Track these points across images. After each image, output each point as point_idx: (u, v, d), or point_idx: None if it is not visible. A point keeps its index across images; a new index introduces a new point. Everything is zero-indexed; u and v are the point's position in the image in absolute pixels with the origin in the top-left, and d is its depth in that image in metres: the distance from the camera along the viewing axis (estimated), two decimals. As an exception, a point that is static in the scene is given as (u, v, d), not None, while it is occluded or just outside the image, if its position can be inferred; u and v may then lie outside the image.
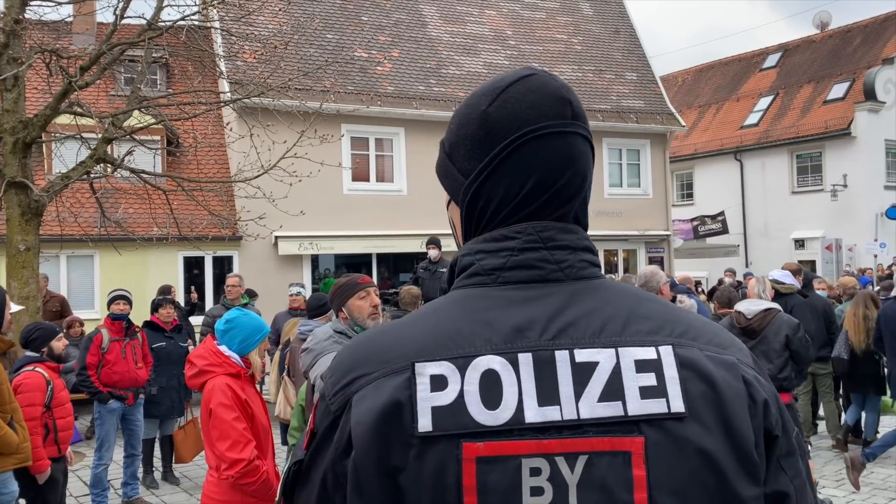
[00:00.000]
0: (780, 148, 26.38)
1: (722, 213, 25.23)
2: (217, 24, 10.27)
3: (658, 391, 0.83)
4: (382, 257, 15.77)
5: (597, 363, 0.84)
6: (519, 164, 0.93)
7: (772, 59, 30.63)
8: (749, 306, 5.68)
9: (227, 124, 11.77)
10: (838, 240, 21.14)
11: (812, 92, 27.12)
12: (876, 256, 21.16)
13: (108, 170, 8.72)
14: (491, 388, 0.83)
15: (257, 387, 3.62)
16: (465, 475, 0.80)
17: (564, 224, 0.95)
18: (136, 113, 8.40)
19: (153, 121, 8.61)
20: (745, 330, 5.57)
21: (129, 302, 6.64)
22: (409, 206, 15.40)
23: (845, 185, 24.05)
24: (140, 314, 7.52)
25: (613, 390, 0.83)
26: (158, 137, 12.93)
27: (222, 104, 9.77)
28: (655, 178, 19.53)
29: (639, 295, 0.94)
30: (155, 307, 7.17)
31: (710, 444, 0.82)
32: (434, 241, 9.55)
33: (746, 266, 25.58)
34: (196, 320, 9.90)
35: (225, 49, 11.02)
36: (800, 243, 25.48)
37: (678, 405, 0.83)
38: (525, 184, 0.93)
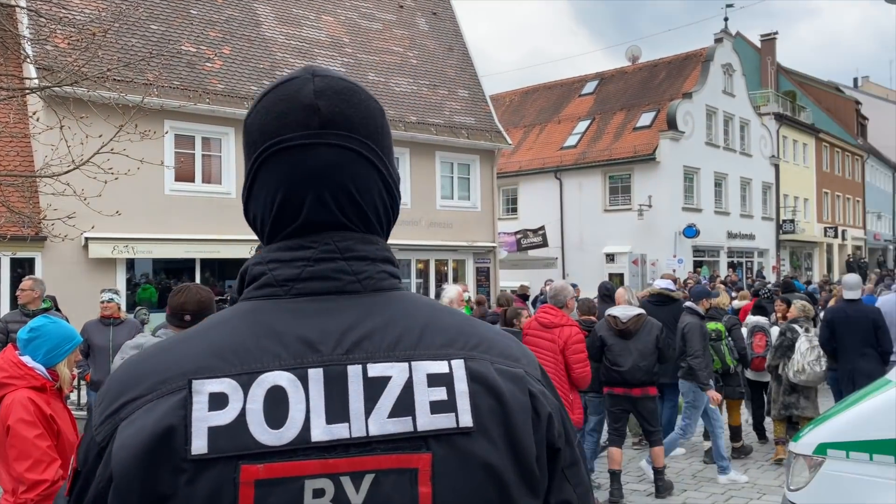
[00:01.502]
0: (595, 169, 28.56)
1: (543, 228, 26.84)
2: (23, 3, 9.31)
3: (448, 406, 0.81)
4: (207, 263, 15.05)
5: (389, 378, 0.81)
6: (265, 179, 0.90)
7: (590, 87, 33.14)
8: (624, 311, 6.29)
9: (34, 114, 10.66)
10: (643, 255, 23.23)
11: (624, 119, 29.66)
12: (674, 270, 23.52)
13: None
14: (276, 407, 0.78)
15: (66, 401, 3.32)
16: (241, 500, 0.76)
17: (364, 234, 0.91)
18: (-82, 93, 7.40)
19: (-60, 104, 7.62)
20: (622, 332, 6.22)
21: None
22: (237, 209, 14.78)
23: (650, 206, 26.53)
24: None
25: (404, 405, 0.80)
26: (-54, 122, 11.45)
27: (28, 91, 8.86)
28: (484, 192, 20.35)
29: (436, 307, 0.92)
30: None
31: (494, 459, 0.81)
32: None
33: (563, 277, 27.39)
34: (-13, 329, 8.84)
35: (32, 31, 9.99)
36: (610, 257, 27.71)
37: (466, 420, 0.81)
38: (274, 200, 0.90)
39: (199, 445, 0.76)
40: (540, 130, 32.46)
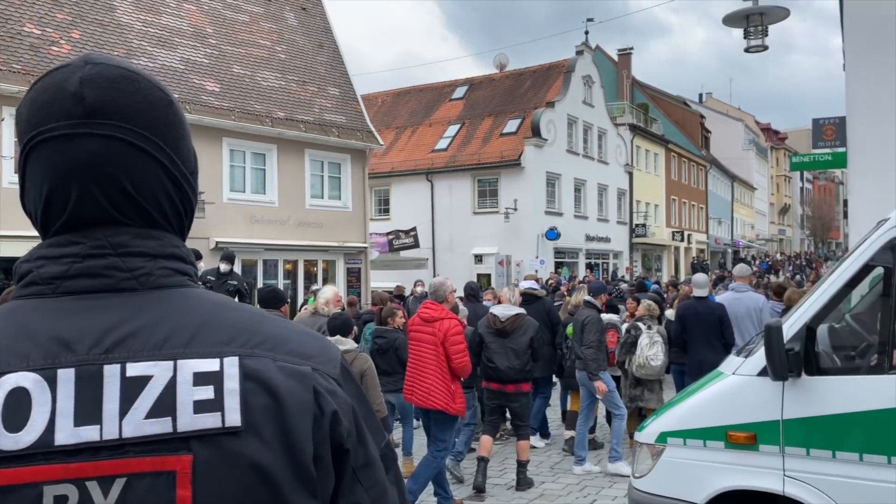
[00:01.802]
0: (464, 172, 29.17)
1: (414, 229, 27.06)
2: None
3: (214, 405, 0.78)
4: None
5: (150, 377, 0.78)
6: (32, 172, 0.86)
7: (460, 91, 33.81)
8: (503, 311, 6.54)
9: None
10: (508, 256, 23.96)
11: (492, 124, 30.51)
12: (536, 271, 24.47)
13: None
14: (17, 409, 0.74)
15: None
16: None
17: (143, 230, 0.87)
18: None
19: None
20: (500, 331, 6.47)
21: None
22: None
23: (516, 209, 27.45)
24: None
25: (164, 406, 0.77)
26: None
27: None
28: (355, 192, 20.21)
29: (222, 304, 0.88)
30: None
31: (265, 459, 0.78)
32: (227, 257, 9.84)
33: (434, 278, 27.75)
34: None
35: None
36: (479, 258, 28.41)
37: (234, 419, 0.77)
38: (41, 194, 0.85)
39: None
40: (412, 132, 32.71)
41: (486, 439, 6.60)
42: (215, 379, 0.79)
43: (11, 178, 13.08)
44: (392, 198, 31.08)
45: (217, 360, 0.80)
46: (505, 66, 35.56)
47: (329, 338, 5.30)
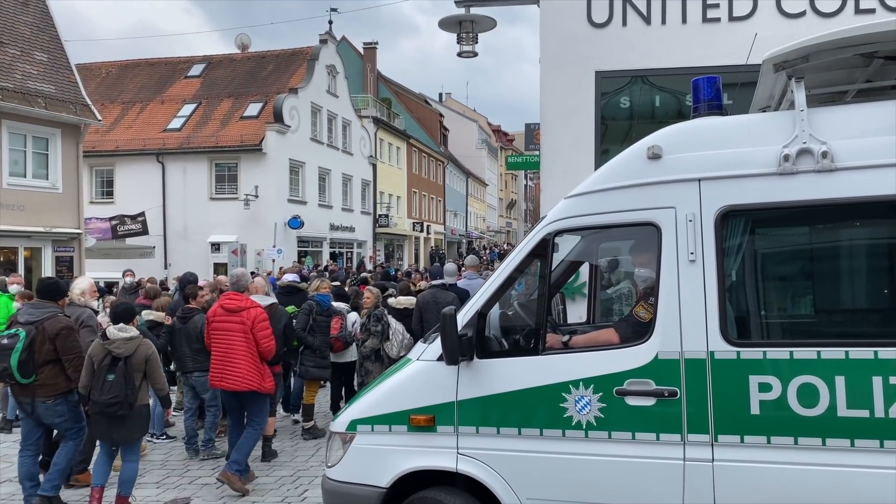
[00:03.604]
0: (200, 155, 27.52)
1: (143, 214, 24.96)
2: None
3: None
4: None
5: None
6: None
7: (197, 69, 31.82)
8: (261, 300, 6.91)
9: None
10: (244, 244, 23.17)
11: (231, 106, 29.16)
12: (274, 261, 23.98)
13: None
14: None
15: None
16: None
17: None
18: None
19: None
20: None
21: None
22: None
23: (256, 196, 26.57)
24: None
25: None
26: None
27: None
28: (67, 171, 18.05)
29: None
30: None
31: None
32: None
33: (165, 267, 25.88)
34: None
35: None
36: (216, 247, 27.04)
37: None
38: None
39: None
40: (141, 109, 30.07)
41: (271, 420, 7.18)
42: None
43: None
44: (116, 179, 28.30)
45: None
46: (248, 48, 34.24)
47: (113, 325, 5.61)
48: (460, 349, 3.66)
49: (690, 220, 3.46)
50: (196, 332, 7.29)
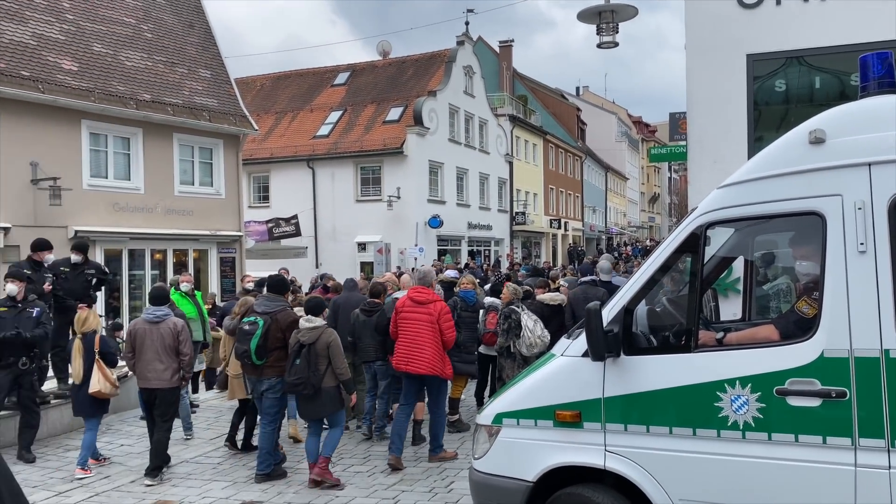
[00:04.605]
0: (346, 159, 28.88)
1: (295, 217, 26.51)
2: None
3: None
4: None
5: None
6: None
7: (342, 77, 33.36)
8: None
9: None
10: (388, 244, 24.01)
11: (374, 111, 30.33)
12: (416, 259, 24.68)
13: None
14: None
15: None
16: None
17: None
18: None
19: None
20: None
21: None
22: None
23: (398, 197, 27.49)
24: None
25: None
26: None
27: None
28: (228, 178, 19.52)
29: None
30: None
31: None
32: (78, 247, 9.30)
33: (317, 266, 27.37)
34: None
35: None
36: (362, 246, 28.26)
37: None
38: None
39: None
40: (292, 118, 31.97)
41: (419, 406, 7.57)
42: None
43: None
44: (272, 185, 30.31)
45: None
46: (388, 54, 35.42)
47: (303, 316, 6.45)
48: (606, 345, 3.62)
49: (860, 208, 3.21)
50: (382, 325, 7.61)
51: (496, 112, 36.42)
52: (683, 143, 14.64)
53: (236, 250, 19.93)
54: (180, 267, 18.04)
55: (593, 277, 8.68)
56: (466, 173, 32.58)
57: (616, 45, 7.79)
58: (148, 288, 16.55)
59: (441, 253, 29.20)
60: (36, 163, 14.45)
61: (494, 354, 8.78)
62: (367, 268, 25.01)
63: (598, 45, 7.71)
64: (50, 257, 8.99)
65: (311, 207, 28.96)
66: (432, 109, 29.26)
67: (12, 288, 7.58)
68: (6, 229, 13.86)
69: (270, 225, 26.37)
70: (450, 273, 10.41)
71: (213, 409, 10.09)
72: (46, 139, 14.80)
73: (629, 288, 3.79)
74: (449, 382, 7.44)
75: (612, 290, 8.08)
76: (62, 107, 14.95)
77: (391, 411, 8.07)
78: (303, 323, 6.41)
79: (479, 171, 33.81)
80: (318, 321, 6.44)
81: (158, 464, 6.90)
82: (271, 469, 6.72)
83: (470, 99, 32.77)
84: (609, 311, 3.74)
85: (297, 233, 26.39)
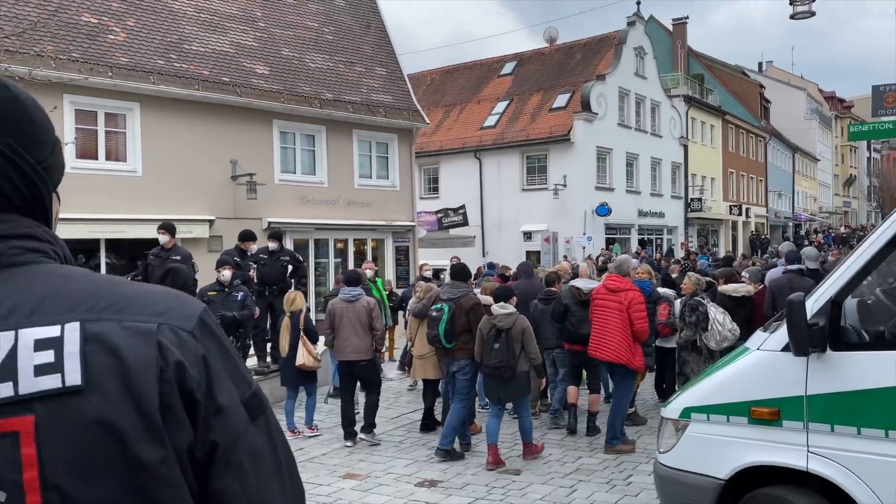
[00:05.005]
0: (513, 149, 28.99)
1: (463, 207, 27.08)
2: None
3: (54, 367, 0.84)
4: (113, 243, 14.53)
5: None
6: None
7: (508, 67, 33.47)
8: (585, 284, 7.70)
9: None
10: (555, 233, 23.81)
11: (541, 99, 30.15)
12: (584, 248, 24.27)
13: None
14: None
15: None
16: None
17: None
18: None
19: None
20: (583, 302, 7.52)
21: None
22: (144, 188, 14.36)
23: (565, 185, 27.17)
24: None
25: (6, 372, 0.84)
26: None
27: None
28: (402, 171, 20.35)
29: (70, 275, 0.95)
30: None
31: (109, 414, 0.84)
32: (166, 227, 9.07)
33: (483, 255, 27.82)
34: None
35: None
36: (528, 235, 28.29)
37: (74, 379, 0.84)
38: None
39: None
40: (460, 110, 32.60)
41: (571, 389, 7.85)
42: (55, 344, 0.86)
43: (74, 164, 13.68)
44: (441, 176, 31.15)
45: (58, 327, 0.87)
46: (555, 40, 35.01)
47: (494, 303, 6.73)
48: (810, 339, 3.36)
49: None
50: (558, 312, 7.90)
51: (669, 93, 34.80)
52: (891, 118, 13.15)
53: (410, 239, 20.75)
54: (361, 256, 19.13)
55: (800, 266, 8.04)
56: (637, 158, 31.48)
57: (812, 14, 7.16)
58: (332, 275, 17.75)
59: (609, 242, 28.50)
60: (235, 161, 15.92)
61: (673, 347, 8.47)
62: (532, 257, 25.00)
63: (792, 16, 7.13)
64: (254, 247, 9.91)
65: (477, 197, 29.43)
66: (601, 94, 28.56)
67: (227, 274, 8.49)
68: (211, 221, 15.43)
69: (440, 215, 27.14)
70: (621, 259, 10.33)
71: (392, 389, 10.61)
72: (243, 139, 16.26)
73: (837, 279, 3.48)
74: (636, 375, 7.33)
75: (818, 280, 7.46)
76: (256, 108, 16.33)
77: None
78: (496, 309, 6.68)
79: (650, 155, 32.53)
80: (511, 307, 6.72)
81: (371, 421, 7.74)
82: (451, 446, 7.00)
83: (641, 81, 31.58)
84: (813, 304, 3.46)
85: (465, 222, 26.95)
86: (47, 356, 0.85)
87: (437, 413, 8.26)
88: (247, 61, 17.04)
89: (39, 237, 0.98)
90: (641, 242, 31.24)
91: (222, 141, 15.81)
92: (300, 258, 10.94)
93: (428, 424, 8.15)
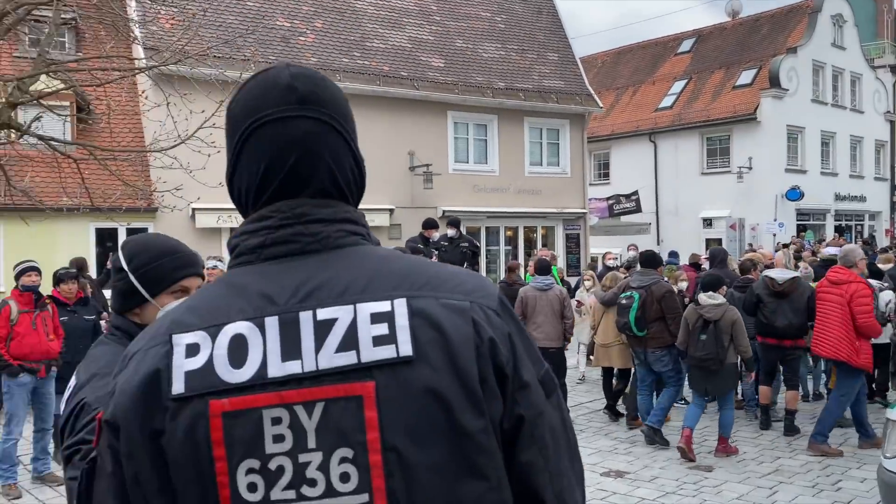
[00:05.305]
0: (691, 131, 27.50)
1: (636, 193, 26.15)
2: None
3: (389, 339, 0.92)
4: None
5: (336, 319, 0.93)
6: (250, 151, 1.03)
7: (686, 45, 31.75)
8: (780, 274, 7.27)
9: (143, 92, 11.31)
10: (741, 219, 22.36)
11: (722, 77, 28.31)
12: (775, 235, 22.50)
13: (13, 136, 8.30)
14: (238, 350, 0.93)
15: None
16: (212, 430, 0.90)
17: (320, 200, 1.03)
18: (43, 77, 8.01)
19: (62, 86, 8.23)
20: (777, 293, 7.10)
21: (40, 273, 6.42)
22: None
23: (750, 168, 25.36)
24: (47, 288, 7.25)
25: (349, 341, 0.92)
26: (68, 103, 12.32)
27: (137, 71, 9.44)
28: (573, 157, 20.06)
29: (390, 257, 1.03)
30: (57, 281, 6.75)
31: (437, 383, 0.91)
32: (453, 222, 10.34)
33: (658, 244, 26.73)
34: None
35: (139, 13, 10.56)
36: (708, 222, 26.76)
37: (406, 350, 0.91)
38: (258, 169, 1.02)
39: (178, 387, 0.92)
40: (633, 92, 31.47)
41: (764, 389, 7.49)
42: (388, 318, 0.93)
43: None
44: (612, 161, 30.28)
45: (388, 302, 0.95)
46: (738, 13, 32.66)
47: (702, 293, 6.59)
48: None
49: None
50: (750, 302, 7.44)
51: (873, 63, 31.28)
52: None
53: (581, 227, 20.44)
54: (530, 244, 19.15)
55: None
56: (833, 137, 28.64)
57: None
58: (503, 262, 17.93)
59: (800, 229, 26.23)
60: (412, 152, 16.53)
61: (884, 342, 7.70)
62: (712, 245, 23.60)
63: None
64: (436, 235, 10.32)
65: (652, 183, 28.28)
66: (792, 68, 26.27)
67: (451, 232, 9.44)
68: (391, 210, 16.15)
69: (611, 202, 26.41)
70: (830, 250, 9.96)
71: (567, 377, 10.52)
72: (420, 131, 16.83)
73: None
74: (861, 374, 6.67)
75: None
76: (432, 101, 16.82)
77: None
78: (704, 299, 6.47)
79: (849, 133, 29.46)
80: (720, 297, 6.51)
81: None
82: (660, 425, 6.93)
83: (839, 52, 28.65)
84: None
85: (638, 209, 26.00)
86: (382, 328, 0.93)
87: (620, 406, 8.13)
88: (423, 55, 17.58)
89: (357, 221, 1.07)
90: (838, 229, 28.41)
91: (400, 133, 16.46)
92: (477, 244, 11.20)
93: (614, 410, 8.06)
